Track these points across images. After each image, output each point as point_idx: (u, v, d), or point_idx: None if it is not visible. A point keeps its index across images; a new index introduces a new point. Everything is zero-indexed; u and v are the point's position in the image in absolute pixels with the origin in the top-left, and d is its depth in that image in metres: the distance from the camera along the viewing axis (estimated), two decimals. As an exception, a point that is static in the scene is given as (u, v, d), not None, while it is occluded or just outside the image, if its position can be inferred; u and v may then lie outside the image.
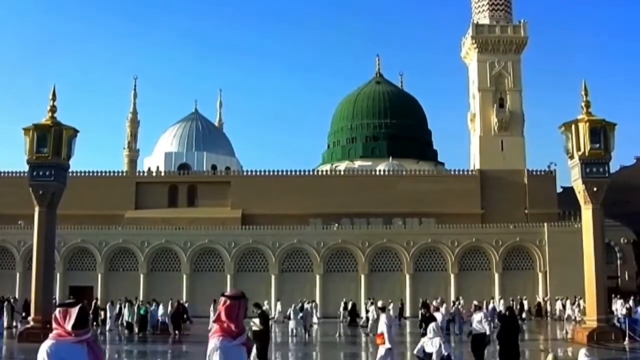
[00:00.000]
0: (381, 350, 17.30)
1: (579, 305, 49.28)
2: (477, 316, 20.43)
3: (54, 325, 5.74)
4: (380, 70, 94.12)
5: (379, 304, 19.27)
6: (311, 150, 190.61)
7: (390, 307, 50.05)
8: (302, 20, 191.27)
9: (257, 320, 19.11)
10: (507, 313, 19.29)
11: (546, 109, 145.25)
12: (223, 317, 5.98)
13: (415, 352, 17.40)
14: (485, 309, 37.91)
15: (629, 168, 77.29)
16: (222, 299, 6.06)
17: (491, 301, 50.41)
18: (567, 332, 40.46)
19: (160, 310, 39.76)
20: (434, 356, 16.27)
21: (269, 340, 18.99)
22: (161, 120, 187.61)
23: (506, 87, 74.85)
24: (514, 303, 50.89)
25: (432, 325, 17.37)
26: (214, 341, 5.95)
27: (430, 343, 16.49)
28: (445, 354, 16.18)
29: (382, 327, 17.58)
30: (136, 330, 38.04)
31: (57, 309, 5.76)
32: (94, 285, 59.65)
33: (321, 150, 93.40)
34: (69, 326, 5.65)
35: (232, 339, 5.93)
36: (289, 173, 71.78)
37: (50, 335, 5.71)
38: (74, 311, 5.68)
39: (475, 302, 21.93)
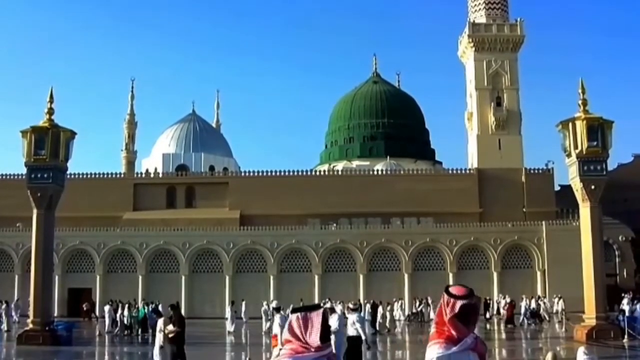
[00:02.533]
0: (275, 352, 17.06)
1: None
2: (352, 318, 19.12)
3: (286, 335, 4.65)
4: (377, 70, 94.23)
5: (273, 304, 18.94)
6: (309, 150, 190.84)
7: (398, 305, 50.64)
8: (299, 20, 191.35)
9: (170, 327, 18.91)
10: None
11: (543, 107, 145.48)
12: (445, 319, 4.96)
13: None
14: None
15: (627, 166, 77.35)
16: (447, 297, 5.00)
17: (525, 299, 49.24)
18: (541, 332, 40.86)
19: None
20: None
21: (184, 342, 18.84)
22: (159, 121, 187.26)
23: (503, 85, 74.91)
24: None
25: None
26: (434, 349, 4.97)
27: None
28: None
29: (276, 328, 17.27)
30: (139, 331, 38.19)
31: (293, 315, 4.65)
32: (93, 287, 59.70)
33: (319, 150, 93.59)
34: (312, 338, 4.55)
35: (452, 344, 4.92)
36: (286, 173, 71.76)
37: (282, 352, 4.63)
38: (317, 318, 4.59)
39: (350, 305, 20.89)
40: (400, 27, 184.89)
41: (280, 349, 4.67)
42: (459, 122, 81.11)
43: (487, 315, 52.10)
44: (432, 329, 5.02)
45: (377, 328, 40.37)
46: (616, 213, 62.20)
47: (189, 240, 61.11)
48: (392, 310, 48.68)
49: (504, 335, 39.80)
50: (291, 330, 4.58)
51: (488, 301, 55.40)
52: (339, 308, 30.28)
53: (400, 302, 54.56)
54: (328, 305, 19.11)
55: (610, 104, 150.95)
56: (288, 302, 47.38)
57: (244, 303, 47.04)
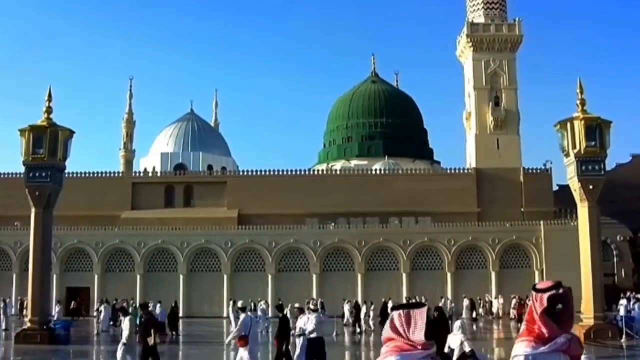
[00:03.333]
0: (241, 353, 17.04)
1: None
2: (312, 318, 18.78)
3: (387, 334, 4.41)
4: (375, 69, 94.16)
5: (239, 304, 18.91)
6: (307, 149, 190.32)
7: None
8: (297, 19, 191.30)
9: (126, 330, 18.87)
10: (435, 314, 17.81)
11: (542, 107, 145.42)
12: (536, 317, 4.61)
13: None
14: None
15: (625, 165, 77.36)
16: (534, 293, 4.65)
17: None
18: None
19: (157, 310, 39.86)
20: (455, 351, 16.57)
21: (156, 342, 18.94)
22: (157, 120, 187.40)
23: (501, 85, 74.90)
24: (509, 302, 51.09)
25: (458, 322, 17.98)
26: (521, 347, 4.63)
27: (454, 339, 16.80)
28: (468, 350, 16.36)
29: (242, 328, 17.24)
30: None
31: (395, 312, 4.45)
32: (91, 286, 59.68)
33: (317, 149, 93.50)
34: (416, 335, 4.32)
35: (541, 344, 4.55)
36: (285, 173, 71.75)
37: (388, 349, 4.39)
38: (421, 315, 4.38)
39: (310, 305, 20.43)
40: (398, 26, 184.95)
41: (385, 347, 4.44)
42: (457, 122, 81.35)
43: (474, 315, 52.14)
44: (522, 327, 4.72)
45: (362, 328, 40.25)
46: (614, 213, 62.27)
47: (187, 240, 61.09)
48: (384, 309, 48.78)
49: (502, 334, 39.79)
50: (393, 328, 4.37)
51: (479, 300, 55.78)
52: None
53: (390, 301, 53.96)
54: (240, 304, 19.01)
55: (609, 104, 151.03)
56: (286, 301, 47.43)
57: (263, 302, 46.83)
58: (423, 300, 50.53)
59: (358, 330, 39.78)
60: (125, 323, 19.29)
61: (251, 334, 17.37)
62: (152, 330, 18.50)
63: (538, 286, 4.65)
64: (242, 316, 17.75)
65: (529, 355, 4.53)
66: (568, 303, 4.60)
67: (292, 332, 20.22)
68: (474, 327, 44.91)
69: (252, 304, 45.01)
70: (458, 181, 71.03)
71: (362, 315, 41.48)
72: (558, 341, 4.53)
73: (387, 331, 4.40)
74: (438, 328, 17.12)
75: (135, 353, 19.04)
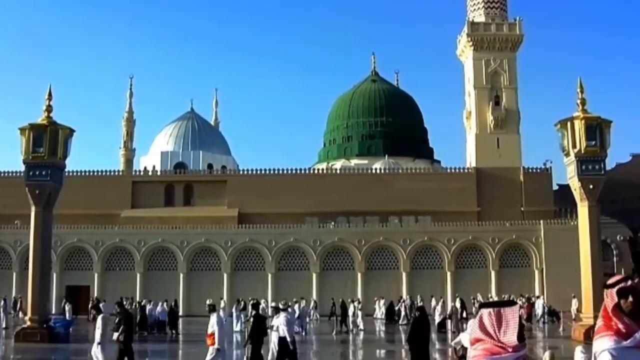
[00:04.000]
0: (210, 351, 17.06)
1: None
2: (281, 318, 19.12)
3: (476, 334, 4.15)
4: (375, 69, 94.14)
5: (208, 302, 18.93)
6: (307, 148, 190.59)
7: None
8: (297, 18, 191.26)
9: (99, 329, 18.92)
10: (417, 313, 17.57)
11: (542, 107, 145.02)
12: (610, 313, 4.36)
13: (453, 343, 18.68)
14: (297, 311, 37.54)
15: (625, 165, 77.24)
16: (605, 290, 4.45)
17: (542, 298, 48.69)
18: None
19: (159, 309, 40.05)
20: (469, 349, 16.53)
21: (131, 340, 18.98)
22: (157, 119, 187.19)
23: (502, 84, 74.87)
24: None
25: (471, 321, 17.75)
26: (604, 342, 4.39)
27: (467, 337, 16.95)
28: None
29: (212, 327, 17.25)
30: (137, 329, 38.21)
31: (485, 311, 4.16)
32: (91, 285, 59.72)
33: (317, 148, 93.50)
34: (508, 337, 4.04)
35: (622, 339, 4.29)
36: (285, 172, 71.75)
37: (476, 354, 4.11)
38: (512, 314, 4.09)
39: (280, 304, 20.69)
40: (398, 26, 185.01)
41: (472, 350, 4.19)
42: (457, 121, 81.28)
43: (464, 315, 49.80)
44: (599, 323, 4.45)
45: (350, 326, 40.15)
46: (614, 212, 62.22)
47: (187, 239, 61.13)
48: (391, 308, 48.72)
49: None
50: (482, 328, 4.08)
51: (472, 300, 53.51)
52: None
53: (382, 300, 53.91)
54: (209, 301, 19.00)
55: (609, 104, 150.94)
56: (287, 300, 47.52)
57: (304, 301, 45.56)
58: (511, 299, 50.25)
59: (344, 329, 39.55)
60: (99, 322, 19.30)
61: (220, 334, 17.23)
62: (121, 328, 18.51)
63: (608, 282, 4.45)
64: (213, 316, 17.73)
65: (614, 350, 4.27)
66: (638, 295, 4.33)
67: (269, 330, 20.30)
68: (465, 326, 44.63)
69: (243, 303, 45.02)
70: (458, 180, 71.03)
71: (351, 315, 41.48)
72: (637, 337, 4.27)
73: (475, 331, 4.15)
74: (419, 328, 17.24)
75: (111, 351, 18.90)
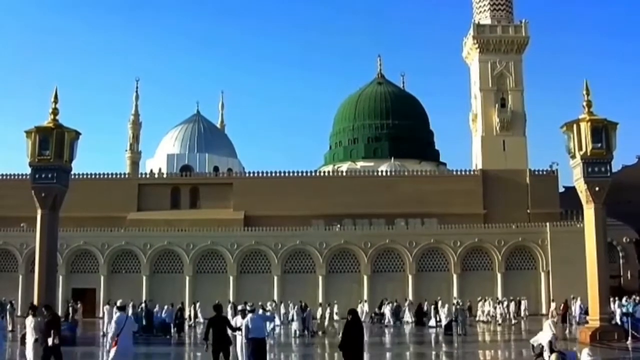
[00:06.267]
0: (112, 353, 17.04)
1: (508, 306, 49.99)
2: (248, 320, 19.36)
3: None
4: (381, 71, 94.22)
5: (118, 303, 18.91)
6: (313, 151, 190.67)
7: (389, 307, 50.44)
8: (304, 21, 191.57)
9: (29, 330, 18.91)
10: (350, 317, 17.45)
11: (548, 109, 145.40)
12: None
13: (531, 341, 22.78)
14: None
15: (631, 167, 77.21)
16: None
17: (578, 299, 48.09)
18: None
19: (164, 313, 40.09)
20: (545, 347, 20.86)
21: (60, 342, 19.11)
22: (163, 122, 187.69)
23: (508, 87, 74.84)
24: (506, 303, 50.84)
25: (548, 322, 22.20)
26: None
27: (544, 337, 21.11)
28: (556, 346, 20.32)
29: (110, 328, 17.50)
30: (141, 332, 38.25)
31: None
32: (97, 288, 59.83)
33: (323, 151, 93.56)
34: None
35: None
36: (291, 174, 71.75)
37: None
38: None
39: (247, 306, 20.68)
40: (404, 28, 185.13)
41: None
42: (463, 124, 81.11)
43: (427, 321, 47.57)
44: None
45: (314, 329, 39.75)
46: (620, 214, 62.12)
47: (193, 241, 61.18)
48: (420, 310, 48.42)
49: (513, 336, 39.68)
50: None
51: (479, 299, 53.37)
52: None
53: (365, 303, 53.55)
54: (119, 303, 18.95)
55: (615, 106, 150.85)
56: (292, 303, 47.61)
57: (336, 305, 45.13)
58: (396, 303, 49.99)
59: (305, 332, 38.86)
60: (28, 323, 19.39)
61: (124, 334, 17.18)
62: (52, 331, 18.59)
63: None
64: (115, 315, 17.75)
65: None
66: None
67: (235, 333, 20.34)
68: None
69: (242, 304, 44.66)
70: (464, 183, 70.97)
71: (327, 317, 41.27)
72: None
73: None
74: (351, 333, 17.22)
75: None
